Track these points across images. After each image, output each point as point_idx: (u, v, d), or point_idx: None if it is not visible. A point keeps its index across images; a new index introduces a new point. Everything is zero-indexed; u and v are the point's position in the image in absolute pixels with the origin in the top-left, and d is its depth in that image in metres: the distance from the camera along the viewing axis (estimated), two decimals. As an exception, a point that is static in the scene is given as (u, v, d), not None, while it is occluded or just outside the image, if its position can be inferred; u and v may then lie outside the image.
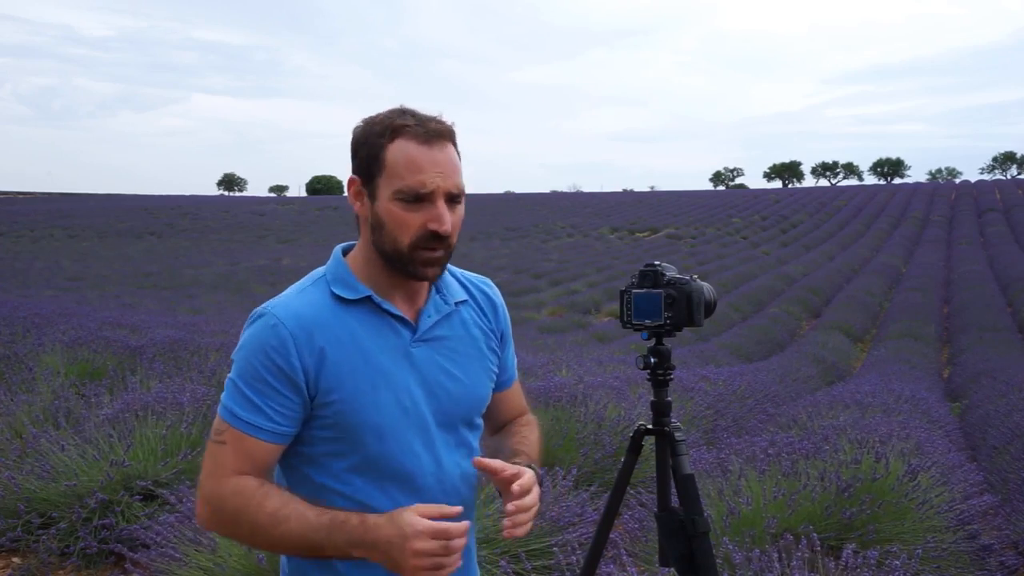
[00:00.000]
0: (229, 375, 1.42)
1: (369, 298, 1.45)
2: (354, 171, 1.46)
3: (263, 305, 1.44)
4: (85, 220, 54.21)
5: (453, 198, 1.43)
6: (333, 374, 1.40)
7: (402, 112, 1.44)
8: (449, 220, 1.41)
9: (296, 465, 1.47)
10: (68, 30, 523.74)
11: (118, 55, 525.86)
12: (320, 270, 1.51)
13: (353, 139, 1.46)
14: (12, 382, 6.03)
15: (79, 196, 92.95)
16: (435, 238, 1.41)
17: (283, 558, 1.51)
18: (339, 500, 1.42)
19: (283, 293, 1.48)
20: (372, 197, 1.44)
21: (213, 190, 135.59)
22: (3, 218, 54.55)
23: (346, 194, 1.51)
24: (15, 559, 3.75)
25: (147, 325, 10.29)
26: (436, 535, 1.31)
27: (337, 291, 1.45)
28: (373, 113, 1.47)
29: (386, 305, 1.46)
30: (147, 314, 13.90)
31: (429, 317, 1.50)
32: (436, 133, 1.41)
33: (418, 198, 1.40)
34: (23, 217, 56.13)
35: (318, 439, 1.43)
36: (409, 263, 1.43)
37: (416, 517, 1.32)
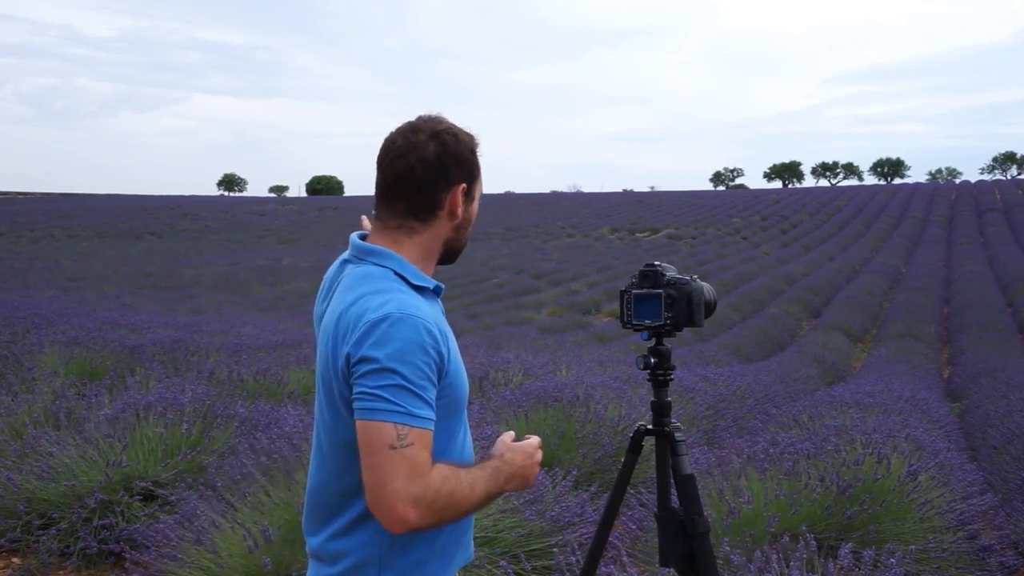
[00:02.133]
0: (384, 383, 1.45)
1: (435, 288, 1.65)
2: (461, 178, 1.62)
3: (390, 308, 1.49)
4: (85, 220, 54.21)
5: None
6: (453, 358, 1.57)
7: (450, 122, 1.66)
8: None
9: None
10: (70, 30, 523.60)
11: (119, 55, 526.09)
12: (377, 270, 1.59)
13: (447, 148, 1.60)
14: (12, 382, 6.03)
15: (79, 196, 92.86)
16: None
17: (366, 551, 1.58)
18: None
19: (389, 295, 1.52)
20: (471, 199, 1.67)
21: (213, 190, 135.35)
22: (3, 218, 54.55)
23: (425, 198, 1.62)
24: (15, 559, 3.75)
25: (147, 325, 10.30)
26: (540, 446, 1.70)
27: (422, 283, 1.60)
28: (413, 118, 1.64)
29: (441, 294, 1.68)
30: (147, 314, 13.90)
31: None
32: None
33: None
34: (23, 217, 56.13)
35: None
36: (462, 251, 1.72)
37: (520, 442, 1.67)
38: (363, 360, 1.46)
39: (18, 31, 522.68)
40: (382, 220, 1.63)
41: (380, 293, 1.52)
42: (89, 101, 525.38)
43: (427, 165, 1.58)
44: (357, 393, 1.47)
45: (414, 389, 1.46)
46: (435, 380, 1.50)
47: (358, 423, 1.47)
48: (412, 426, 1.45)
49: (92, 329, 8.69)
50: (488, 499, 1.59)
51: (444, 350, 1.53)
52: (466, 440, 1.68)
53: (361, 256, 1.61)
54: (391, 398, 1.45)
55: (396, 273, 1.57)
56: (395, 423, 1.44)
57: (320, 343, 1.59)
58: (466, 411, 1.69)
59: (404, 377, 1.45)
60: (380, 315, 1.47)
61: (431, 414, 1.49)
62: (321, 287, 1.72)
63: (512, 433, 1.69)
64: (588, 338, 16.03)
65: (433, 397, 1.50)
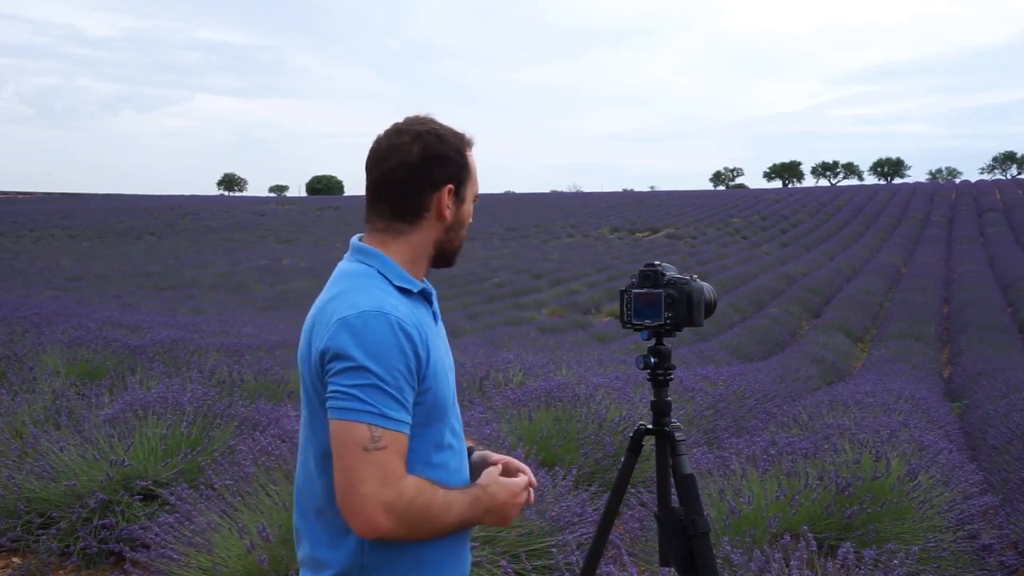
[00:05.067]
0: (358, 382, 1.41)
1: (423, 291, 1.60)
2: (447, 179, 1.58)
3: (366, 306, 1.45)
4: (85, 220, 54.19)
5: None
6: (433, 360, 1.52)
7: (437, 122, 1.62)
8: None
9: None
10: (72, 30, 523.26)
11: (121, 55, 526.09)
12: (362, 268, 1.56)
13: (430, 149, 1.56)
14: (13, 382, 6.03)
15: (79, 196, 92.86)
16: None
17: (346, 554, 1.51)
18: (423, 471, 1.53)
19: (366, 292, 1.49)
20: (461, 200, 1.62)
21: (213, 190, 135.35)
22: (3, 218, 54.53)
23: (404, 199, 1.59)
24: (15, 559, 3.75)
25: (147, 325, 10.30)
26: (527, 486, 1.62)
27: (404, 285, 1.56)
28: (400, 119, 1.61)
29: (433, 298, 1.64)
30: (147, 314, 13.90)
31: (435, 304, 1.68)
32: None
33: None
34: (23, 217, 56.11)
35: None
36: (458, 253, 1.66)
37: (508, 479, 1.59)
38: (337, 357, 1.42)
39: (20, 31, 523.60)
40: (370, 223, 1.61)
41: (358, 291, 1.49)
42: (90, 101, 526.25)
43: (409, 168, 1.55)
44: (331, 391, 1.43)
45: (388, 390, 1.41)
46: (412, 382, 1.46)
47: (331, 422, 1.43)
48: (386, 428, 1.41)
49: (92, 329, 8.69)
50: (462, 526, 1.52)
51: (422, 352, 1.48)
52: (453, 451, 1.59)
53: (352, 255, 1.60)
54: (365, 398, 1.40)
55: (380, 272, 1.54)
56: (369, 424, 1.40)
57: (301, 340, 1.56)
58: (453, 420, 1.61)
59: (378, 377, 1.41)
60: (355, 312, 1.44)
61: (406, 417, 1.44)
62: None
63: (500, 467, 1.63)
64: (588, 338, 16.02)
65: (410, 400, 1.45)
